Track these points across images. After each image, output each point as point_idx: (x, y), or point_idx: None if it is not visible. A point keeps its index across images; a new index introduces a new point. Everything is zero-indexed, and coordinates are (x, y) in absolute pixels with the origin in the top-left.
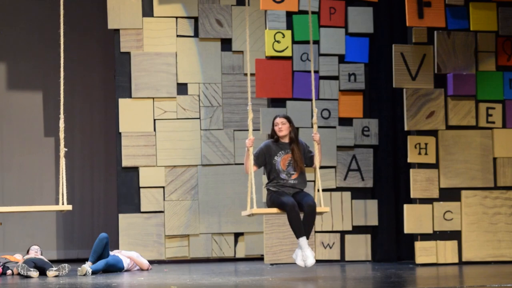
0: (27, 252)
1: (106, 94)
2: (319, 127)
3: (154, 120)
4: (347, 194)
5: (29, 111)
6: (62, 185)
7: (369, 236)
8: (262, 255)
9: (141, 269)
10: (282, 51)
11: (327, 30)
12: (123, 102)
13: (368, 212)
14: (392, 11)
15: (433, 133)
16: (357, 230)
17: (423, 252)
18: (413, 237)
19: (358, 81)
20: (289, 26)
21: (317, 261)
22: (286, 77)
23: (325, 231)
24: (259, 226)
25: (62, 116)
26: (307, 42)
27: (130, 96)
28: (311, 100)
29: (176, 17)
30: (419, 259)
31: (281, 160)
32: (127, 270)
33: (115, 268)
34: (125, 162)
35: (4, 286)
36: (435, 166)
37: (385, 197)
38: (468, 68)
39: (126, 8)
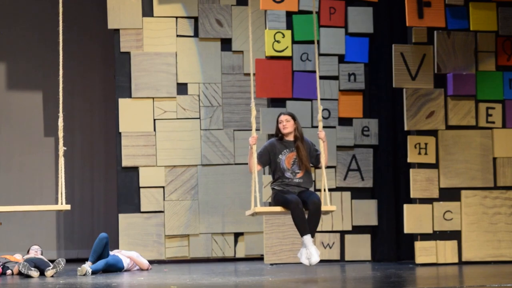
0: (27, 252)
1: (106, 94)
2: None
3: (154, 120)
4: (347, 194)
5: (29, 111)
6: (61, 184)
7: (369, 236)
8: (262, 255)
9: (141, 269)
10: (282, 51)
11: (327, 30)
12: (123, 102)
13: (368, 212)
14: (392, 11)
15: (433, 133)
16: (357, 230)
17: (423, 252)
18: (413, 237)
19: (358, 81)
20: (289, 26)
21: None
22: (286, 77)
23: (325, 231)
24: (259, 226)
25: (61, 115)
26: (307, 42)
27: (130, 96)
28: (311, 100)
29: (176, 17)
30: (419, 259)
31: (286, 159)
32: (127, 270)
33: (115, 268)
34: (125, 162)
35: (4, 286)
36: (435, 166)
37: (385, 197)
38: (468, 68)
39: (126, 8)
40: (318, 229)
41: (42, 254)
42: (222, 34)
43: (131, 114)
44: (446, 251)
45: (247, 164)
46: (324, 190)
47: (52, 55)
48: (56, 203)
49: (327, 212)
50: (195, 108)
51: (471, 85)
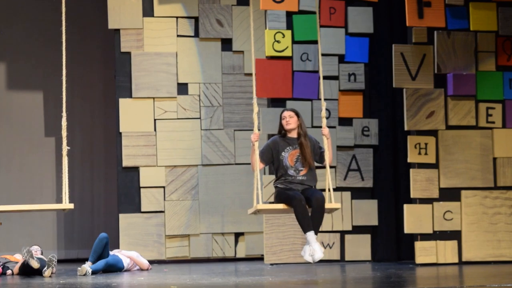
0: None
1: (106, 94)
2: (319, 127)
3: (155, 120)
4: (347, 194)
5: (30, 111)
6: (65, 184)
7: (369, 236)
8: (263, 255)
9: (141, 269)
10: (282, 51)
11: (327, 30)
12: (123, 102)
13: (368, 212)
14: (392, 11)
15: (433, 133)
16: (357, 230)
17: (423, 252)
18: (413, 237)
19: (358, 81)
20: (289, 26)
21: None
22: (286, 77)
23: (325, 231)
24: (259, 226)
25: (64, 114)
26: (307, 42)
27: (130, 96)
28: (311, 100)
29: (177, 17)
30: (419, 259)
31: (289, 156)
32: (127, 270)
33: (115, 268)
34: (126, 162)
35: (4, 286)
36: (435, 166)
37: (385, 197)
38: (468, 68)
39: (126, 8)
40: None
41: (42, 254)
42: (223, 34)
43: (132, 114)
44: (446, 251)
45: (247, 164)
46: (329, 190)
47: (52, 54)
48: (57, 202)
49: (331, 210)
50: (196, 108)
51: (471, 85)
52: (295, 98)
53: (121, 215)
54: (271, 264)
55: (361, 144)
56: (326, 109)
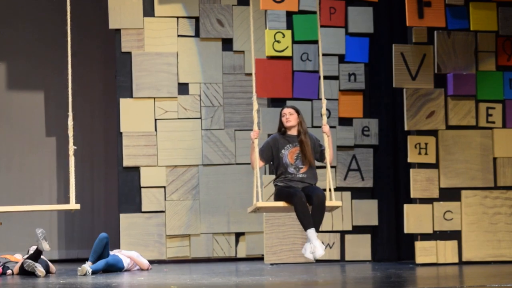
0: (27, 253)
1: (107, 94)
2: (319, 127)
3: (155, 120)
4: (347, 194)
5: (30, 111)
6: (72, 184)
7: (369, 236)
8: (263, 255)
9: (141, 269)
10: (282, 51)
11: (327, 30)
12: (124, 102)
13: (368, 212)
14: (392, 11)
15: (433, 133)
16: (357, 230)
17: (423, 252)
18: (413, 237)
19: (358, 81)
20: (289, 26)
21: (317, 261)
22: (286, 77)
23: (325, 231)
24: (260, 226)
25: (70, 114)
26: (307, 42)
27: (131, 96)
28: (311, 100)
29: (177, 17)
30: (419, 259)
31: (289, 154)
32: (127, 270)
33: (115, 268)
34: (126, 162)
35: (4, 286)
36: (435, 166)
37: (385, 197)
38: (468, 68)
39: (127, 8)
40: None
41: (42, 254)
42: (223, 34)
43: (132, 114)
44: (446, 251)
45: (248, 164)
46: (330, 189)
47: (52, 54)
48: (58, 202)
49: (332, 208)
50: (196, 108)
51: (471, 85)
52: (295, 98)
53: (121, 215)
54: (271, 264)
55: (361, 144)
56: (327, 109)
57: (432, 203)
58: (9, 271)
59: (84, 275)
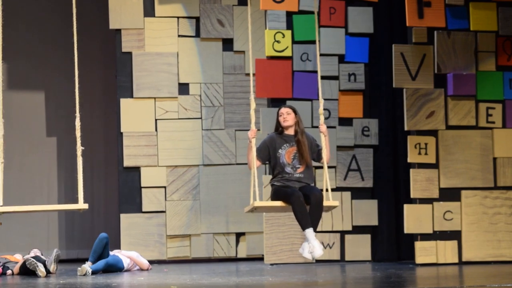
0: (28, 254)
1: (107, 94)
2: (318, 127)
3: (156, 120)
4: (347, 194)
5: (31, 111)
6: (80, 184)
7: (369, 236)
8: (264, 255)
9: (141, 269)
10: (282, 51)
11: (327, 30)
12: (124, 102)
13: (368, 212)
14: (392, 11)
15: (433, 133)
16: (357, 230)
17: (423, 252)
18: (413, 237)
19: (358, 81)
20: (289, 26)
21: (317, 261)
22: (286, 77)
23: (325, 231)
24: (260, 226)
25: (78, 115)
26: (307, 42)
27: (131, 96)
28: (311, 100)
29: (178, 17)
30: (419, 259)
31: (286, 153)
32: (127, 270)
33: (115, 268)
34: (127, 162)
35: (4, 286)
36: (435, 166)
37: (385, 197)
38: (468, 68)
39: (127, 8)
40: (318, 229)
41: (42, 255)
42: (224, 34)
43: (133, 114)
44: (446, 251)
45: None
46: (327, 190)
47: (53, 54)
48: (59, 202)
49: (329, 208)
50: (197, 108)
51: (471, 85)
52: (295, 98)
53: (122, 215)
54: (271, 264)
55: (361, 144)
56: (327, 109)
57: (432, 203)
58: (9, 271)
59: (84, 275)
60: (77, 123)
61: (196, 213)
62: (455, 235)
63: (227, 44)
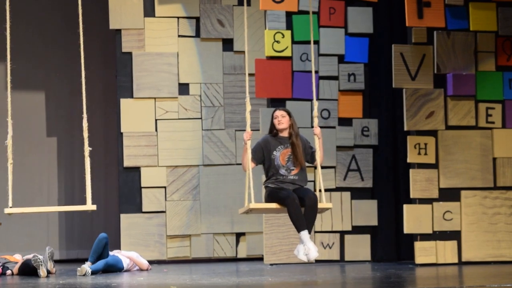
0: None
1: (107, 94)
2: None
3: (156, 120)
4: (347, 194)
5: (31, 111)
6: (88, 185)
7: (369, 236)
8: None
9: (141, 269)
10: (282, 51)
11: (327, 30)
12: (124, 102)
13: (368, 212)
14: (392, 11)
15: (433, 133)
16: (357, 230)
17: (423, 252)
18: (413, 237)
19: (357, 81)
20: (289, 26)
21: (317, 261)
22: (286, 77)
23: (324, 231)
24: (260, 226)
25: (85, 115)
26: (307, 42)
27: (131, 96)
28: (311, 100)
29: (178, 17)
30: (418, 259)
31: (280, 155)
32: (127, 270)
33: (115, 268)
34: (127, 162)
35: (4, 286)
36: (435, 166)
37: (385, 197)
38: (467, 68)
39: (127, 8)
40: (318, 229)
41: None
42: (224, 34)
43: (133, 114)
44: (446, 251)
45: None
46: (320, 190)
47: (53, 54)
48: (59, 203)
49: (323, 210)
50: (197, 108)
51: (471, 85)
52: (295, 98)
53: (122, 215)
54: (271, 264)
55: (361, 144)
56: (326, 110)
57: (431, 203)
58: (8, 271)
59: (84, 275)
60: (84, 124)
61: (196, 213)
62: (454, 235)
63: (227, 44)
